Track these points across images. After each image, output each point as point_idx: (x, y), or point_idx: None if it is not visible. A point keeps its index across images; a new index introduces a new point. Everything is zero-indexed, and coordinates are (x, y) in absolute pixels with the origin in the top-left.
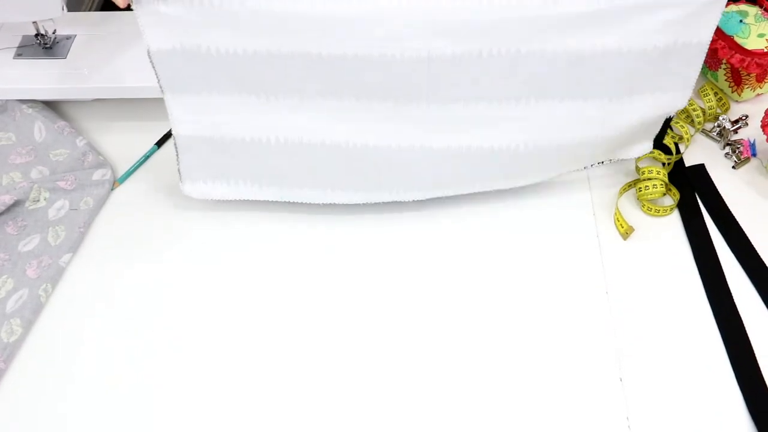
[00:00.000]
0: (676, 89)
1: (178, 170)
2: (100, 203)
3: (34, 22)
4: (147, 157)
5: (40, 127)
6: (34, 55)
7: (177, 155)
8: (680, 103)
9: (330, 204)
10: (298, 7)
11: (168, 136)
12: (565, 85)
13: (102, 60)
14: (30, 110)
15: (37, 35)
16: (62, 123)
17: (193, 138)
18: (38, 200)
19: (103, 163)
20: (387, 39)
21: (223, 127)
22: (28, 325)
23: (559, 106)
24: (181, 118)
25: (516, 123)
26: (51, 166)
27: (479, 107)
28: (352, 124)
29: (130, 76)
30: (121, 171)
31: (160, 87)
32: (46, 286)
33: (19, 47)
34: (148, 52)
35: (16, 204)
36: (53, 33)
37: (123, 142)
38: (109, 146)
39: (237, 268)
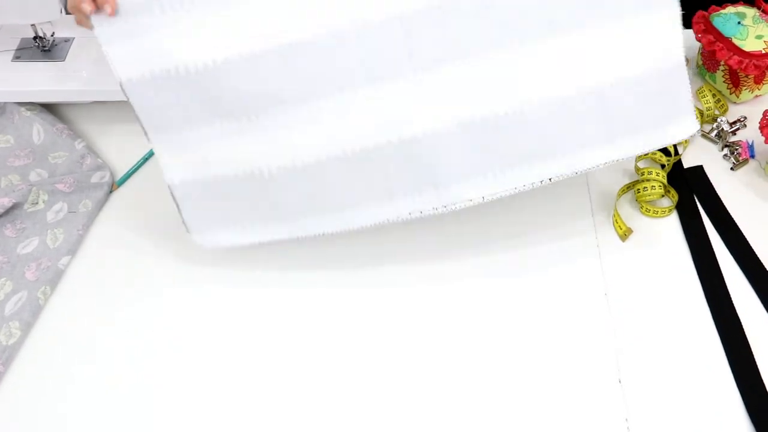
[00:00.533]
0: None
1: (183, 222)
2: (99, 205)
3: (32, 25)
4: (146, 159)
5: (39, 130)
6: (33, 58)
7: (178, 207)
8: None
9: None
10: None
11: None
12: (551, 15)
13: (100, 62)
14: (28, 113)
15: (35, 38)
16: (61, 125)
17: (187, 183)
18: (37, 203)
19: (101, 165)
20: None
21: (213, 165)
22: (26, 328)
23: (553, 44)
24: (169, 162)
25: (512, 78)
26: (50, 168)
27: (468, 64)
28: (344, 129)
29: None
30: (120, 173)
31: (143, 129)
32: (45, 288)
33: (17, 50)
34: (120, 84)
35: (15, 206)
36: (51, 35)
37: (122, 144)
38: (107, 149)
39: (237, 268)
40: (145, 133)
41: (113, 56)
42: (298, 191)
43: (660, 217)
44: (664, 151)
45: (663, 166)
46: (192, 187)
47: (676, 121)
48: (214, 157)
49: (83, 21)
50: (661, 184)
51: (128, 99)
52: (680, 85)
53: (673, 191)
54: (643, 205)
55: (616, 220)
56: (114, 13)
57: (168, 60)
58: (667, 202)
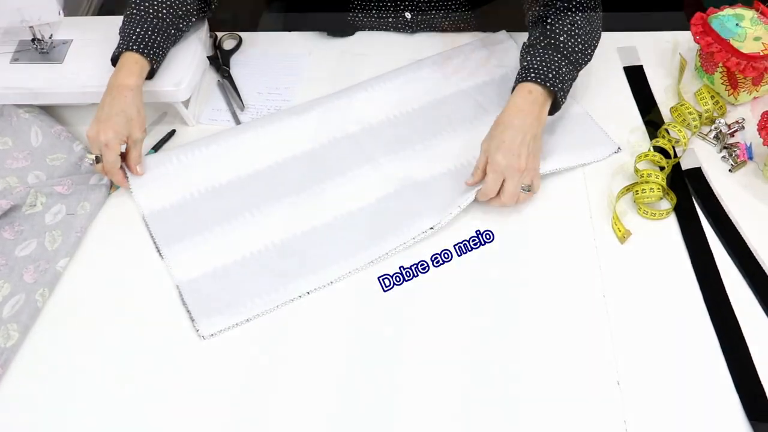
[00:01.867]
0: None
1: (189, 314)
2: (97, 208)
3: (30, 27)
4: None
5: (37, 132)
6: (31, 60)
7: (183, 303)
8: None
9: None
10: (245, 136)
11: (164, 140)
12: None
13: (98, 64)
14: (27, 115)
15: (33, 40)
16: (59, 128)
17: (194, 280)
18: (35, 205)
19: None
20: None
21: (216, 258)
22: (25, 330)
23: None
24: (179, 267)
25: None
26: (48, 170)
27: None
28: (326, 204)
29: None
30: None
31: (156, 248)
32: (43, 290)
33: (15, 52)
34: (143, 216)
35: (13, 209)
36: (50, 38)
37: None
38: None
39: None
40: (158, 251)
41: (139, 195)
42: (293, 257)
43: (658, 219)
44: (664, 153)
45: (662, 169)
46: (197, 283)
47: (598, 145)
48: (219, 250)
49: (123, 182)
50: (660, 187)
51: (148, 227)
52: (588, 124)
53: (671, 194)
54: (642, 207)
55: (615, 222)
56: (143, 172)
57: (183, 191)
58: (666, 205)
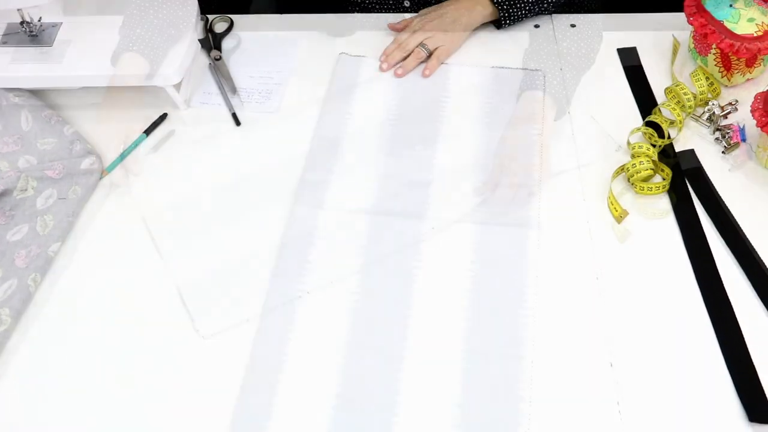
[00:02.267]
0: None
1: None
2: (89, 192)
3: (30, 27)
4: (136, 145)
5: (27, 116)
6: (20, 43)
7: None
8: None
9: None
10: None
11: (156, 124)
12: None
13: (88, 47)
14: (17, 99)
15: (22, 23)
16: (49, 111)
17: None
18: (26, 189)
19: (91, 151)
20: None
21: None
22: (17, 315)
23: None
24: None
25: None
26: (38, 155)
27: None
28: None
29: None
30: (110, 159)
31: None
32: (35, 275)
33: (4, 35)
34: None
35: (4, 193)
36: (39, 20)
37: (111, 130)
38: (96, 135)
39: None
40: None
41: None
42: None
43: (654, 194)
44: (659, 133)
45: (654, 146)
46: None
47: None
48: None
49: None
50: (649, 159)
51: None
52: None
53: (667, 169)
54: (637, 185)
55: (611, 202)
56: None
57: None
58: (659, 179)
